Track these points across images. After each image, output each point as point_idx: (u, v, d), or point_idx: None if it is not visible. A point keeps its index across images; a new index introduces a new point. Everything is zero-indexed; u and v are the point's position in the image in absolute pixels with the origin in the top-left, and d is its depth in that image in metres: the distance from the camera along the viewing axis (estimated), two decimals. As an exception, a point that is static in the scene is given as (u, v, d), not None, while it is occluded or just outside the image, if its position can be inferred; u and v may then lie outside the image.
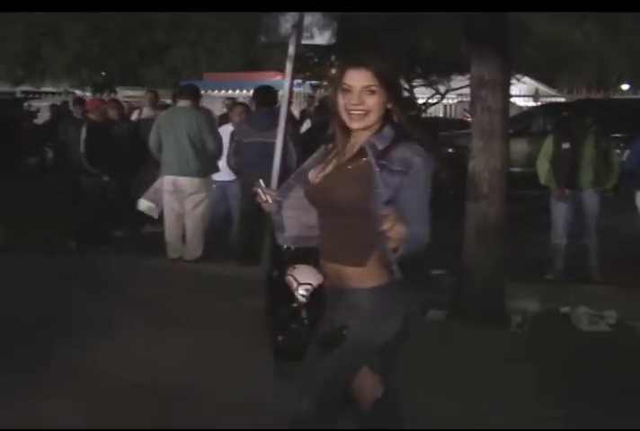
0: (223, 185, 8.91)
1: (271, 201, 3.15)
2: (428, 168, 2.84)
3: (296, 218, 3.16)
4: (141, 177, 10.43)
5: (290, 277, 3.02)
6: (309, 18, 7.19)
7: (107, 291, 7.05)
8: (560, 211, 7.82)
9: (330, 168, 2.99)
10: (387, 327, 3.01)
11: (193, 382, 4.94)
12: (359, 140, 2.94)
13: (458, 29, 7.21)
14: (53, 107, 21.17)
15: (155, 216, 8.57)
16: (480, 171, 6.32)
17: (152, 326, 6.03)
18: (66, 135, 12.71)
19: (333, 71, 22.43)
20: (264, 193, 3.15)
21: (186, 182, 8.29)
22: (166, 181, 8.38)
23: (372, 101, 2.83)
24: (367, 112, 2.84)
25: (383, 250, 2.75)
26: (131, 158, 9.57)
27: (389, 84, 2.87)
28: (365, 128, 2.90)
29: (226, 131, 8.74)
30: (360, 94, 2.83)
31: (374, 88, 2.82)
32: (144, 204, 8.54)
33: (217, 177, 8.70)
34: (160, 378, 4.98)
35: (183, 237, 8.58)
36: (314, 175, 3.02)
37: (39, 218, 10.63)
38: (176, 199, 8.38)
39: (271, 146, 7.28)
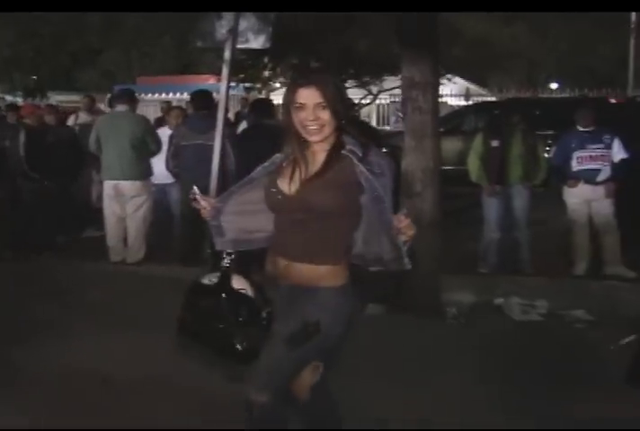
0: (162, 188, 8.98)
1: (208, 208, 3.31)
2: (392, 168, 3.13)
3: (235, 223, 3.33)
4: (80, 182, 10.47)
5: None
6: (244, 23, 7.31)
7: (52, 295, 7.10)
8: (491, 207, 8.01)
9: (303, 178, 3.12)
10: (349, 322, 3.25)
11: (142, 381, 5.05)
12: (319, 149, 3.15)
13: (390, 30, 7.39)
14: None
15: None
16: (413, 169, 6.52)
17: (99, 328, 6.12)
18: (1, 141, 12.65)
19: (266, 73, 22.57)
20: (202, 199, 3.32)
21: (127, 186, 8.35)
22: (107, 185, 8.44)
23: (326, 116, 3.05)
24: (322, 126, 3.06)
25: (397, 245, 2.96)
26: (70, 163, 9.60)
27: (338, 99, 3.09)
28: (323, 140, 3.12)
29: (162, 134, 8.84)
30: (313, 111, 3.04)
31: (325, 104, 3.04)
32: None
33: (156, 180, 8.77)
34: (108, 376, 5.09)
35: (125, 240, 8.63)
36: (286, 186, 3.13)
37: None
38: (117, 203, 8.43)
39: (210, 149, 7.38)
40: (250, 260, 3.34)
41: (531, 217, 8.25)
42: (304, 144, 3.16)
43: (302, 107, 3.05)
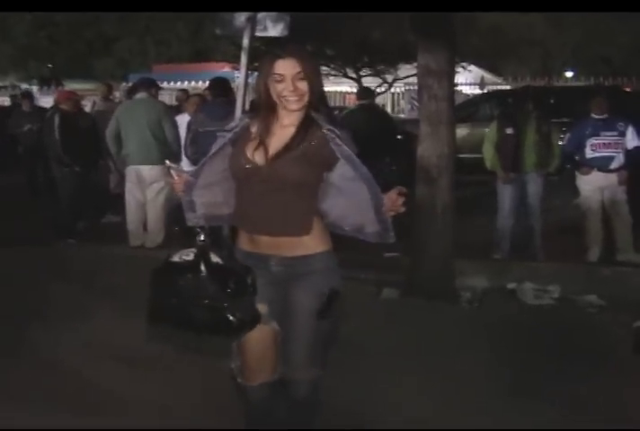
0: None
1: (180, 182, 3.32)
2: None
3: (204, 197, 3.35)
4: (98, 168, 10.61)
5: None
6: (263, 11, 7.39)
7: (78, 279, 7.27)
8: (506, 194, 8.09)
9: (276, 148, 3.16)
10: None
11: (159, 362, 5.19)
12: (288, 124, 3.21)
13: (405, 18, 7.44)
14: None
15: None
16: (428, 155, 6.61)
17: (122, 309, 6.25)
18: (19, 128, 12.83)
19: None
20: (175, 173, 3.36)
21: (147, 171, 8.50)
22: (128, 171, 8.60)
23: (304, 86, 3.14)
24: (302, 96, 3.14)
25: (384, 220, 3.17)
26: (92, 149, 9.74)
27: (313, 69, 3.20)
28: (299, 110, 3.19)
29: (181, 121, 8.94)
30: (292, 81, 3.12)
31: (303, 75, 3.13)
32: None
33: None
34: (128, 359, 5.22)
35: (145, 225, 8.76)
36: (256, 156, 3.16)
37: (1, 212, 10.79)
38: (138, 188, 8.58)
39: (227, 136, 7.46)
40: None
41: (545, 204, 8.33)
42: (274, 114, 3.22)
43: (281, 78, 3.12)
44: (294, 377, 3.33)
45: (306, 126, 3.19)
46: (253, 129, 3.23)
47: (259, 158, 3.15)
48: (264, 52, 3.26)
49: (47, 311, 6.30)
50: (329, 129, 3.16)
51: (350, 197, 3.20)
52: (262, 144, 3.17)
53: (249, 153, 3.16)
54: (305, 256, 3.21)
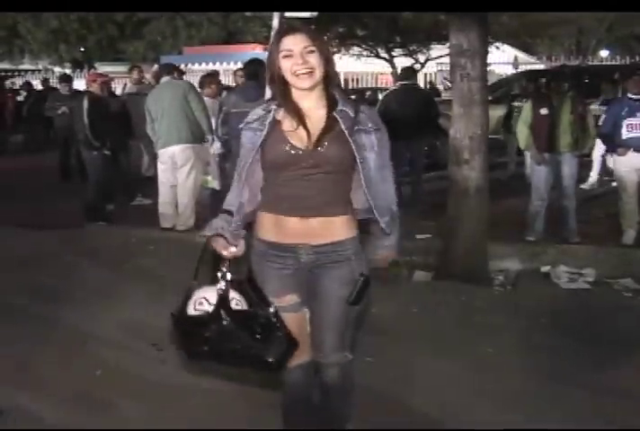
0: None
1: (235, 248, 3.15)
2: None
3: (254, 196, 3.24)
4: (128, 151, 10.64)
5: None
6: (293, -9, 7.36)
7: (109, 262, 7.33)
8: (540, 175, 7.98)
9: (315, 131, 3.11)
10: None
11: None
12: (310, 106, 3.16)
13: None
14: (27, 84, 21.15)
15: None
16: (461, 137, 6.53)
17: (153, 291, 6.27)
18: (54, 111, 12.89)
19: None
20: (229, 244, 3.15)
21: (178, 151, 8.49)
22: (161, 154, 8.60)
23: (314, 59, 3.08)
24: (312, 70, 3.08)
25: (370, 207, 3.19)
26: (122, 132, 9.77)
27: (322, 44, 3.15)
28: (312, 88, 3.13)
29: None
30: (301, 55, 3.07)
31: (312, 48, 3.08)
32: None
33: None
34: (156, 340, 5.22)
35: (176, 207, 8.76)
36: (297, 140, 3.10)
37: (31, 194, 10.87)
38: (170, 171, 8.58)
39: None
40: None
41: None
42: (289, 96, 3.16)
43: (290, 54, 3.08)
44: (326, 362, 3.33)
45: (333, 106, 3.16)
46: (280, 116, 3.16)
47: (301, 143, 3.10)
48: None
49: (78, 293, 6.35)
50: (341, 110, 3.14)
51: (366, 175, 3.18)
52: (299, 128, 3.12)
53: (291, 140, 3.11)
54: (334, 243, 3.17)
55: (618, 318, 5.78)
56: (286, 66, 3.08)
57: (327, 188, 3.13)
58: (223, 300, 3.06)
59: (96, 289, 6.47)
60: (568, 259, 7.07)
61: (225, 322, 3.03)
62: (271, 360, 3.04)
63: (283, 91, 3.15)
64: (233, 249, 3.12)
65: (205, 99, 8.94)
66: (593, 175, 11.20)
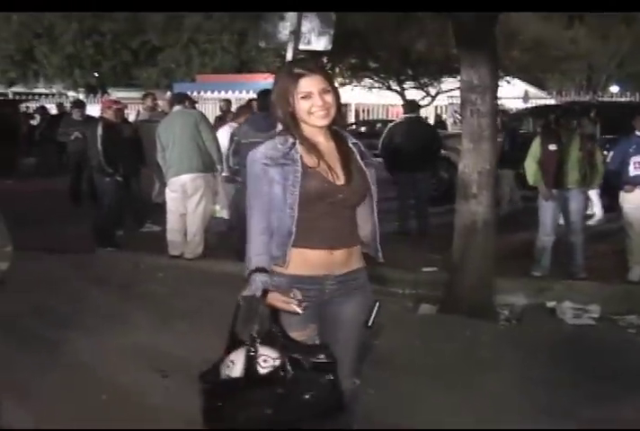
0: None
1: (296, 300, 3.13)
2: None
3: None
4: (139, 178, 10.72)
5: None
6: (307, 24, 7.44)
7: (117, 287, 7.39)
8: (547, 210, 8.00)
9: (341, 165, 3.20)
10: None
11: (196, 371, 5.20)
12: (324, 138, 3.24)
13: (449, 32, 7.43)
14: (42, 109, 21.36)
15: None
16: (469, 171, 6.58)
17: (160, 318, 6.31)
18: (67, 136, 13.01)
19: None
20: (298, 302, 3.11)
21: (189, 180, 8.55)
22: (171, 183, 8.66)
23: (330, 99, 3.18)
24: (329, 109, 3.17)
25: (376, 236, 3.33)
26: (134, 159, 9.86)
27: (333, 83, 3.26)
28: (329, 125, 3.23)
29: (223, 133, 9.03)
30: (320, 96, 3.15)
31: (328, 88, 3.18)
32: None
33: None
34: (163, 367, 5.26)
35: (185, 235, 8.80)
36: (329, 174, 3.16)
37: (42, 218, 10.93)
38: (180, 199, 8.63)
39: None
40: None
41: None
42: (301, 131, 3.22)
43: (309, 95, 3.15)
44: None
45: (344, 140, 3.28)
46: (301, 152, 3.18)
47: (330, 177, 3.17)
48: (280, 71, 3.27)
49: (86, 318, 6.38)
50: (354, 143, 3.29)
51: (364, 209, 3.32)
52: (321, 163, 3.18)
53: (321, 174, 3.17)
54: (353, 271, 3.29)
55: (622, 354, 5.79)
56: (304, 107, 3.15)
57: (351, 219, 3.27)
58: (251, 362, 2.97)
59: (104, 314, 6.51)
60: (574, 295, 7.10)
61: (260, 387, 2.96)
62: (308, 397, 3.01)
63: (297, 127, 3.21)
64: (295, 301, 3.05)
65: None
66: (597, 211, 11.21)
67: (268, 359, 2.98)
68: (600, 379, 5.20)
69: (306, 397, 2.99)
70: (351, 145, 3.27)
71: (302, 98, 3.15)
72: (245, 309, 3.06)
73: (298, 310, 3.04)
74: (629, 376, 5.29)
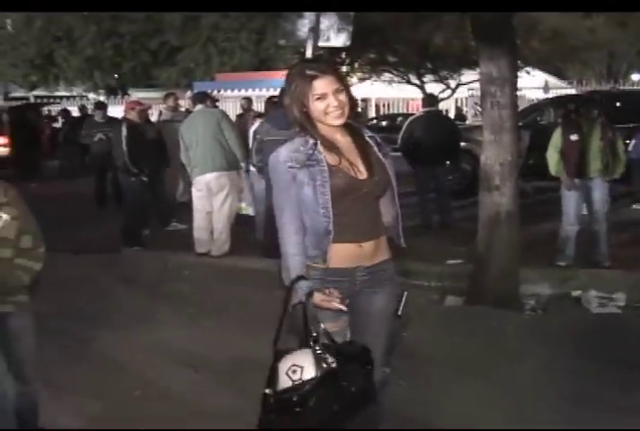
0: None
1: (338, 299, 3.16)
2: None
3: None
4: (163, 177, 10.81)
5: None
6: (325, 22, 7.49)
7: (145, 286, 7.50)
8: (570, 200, 8.00)
9: (362, 160, 3.28)
10: None
11: (225, 366, 5.30)
12: (338, 136, 3.30)
13: (466, 24, 7.45)
14: (64, 111, 21.48)
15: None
16: (491, 163, 6.61)
17: (187, 316, 6.38)
18: (90, 138, 13.11)
19: (344, 69, 22.59)
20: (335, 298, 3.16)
21: (213, 179, 8.63)
22: (196, 181, 8.75)
23: (344, 98, 3.24)
24: (343, 108, 3.23)
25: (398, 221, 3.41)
26: (158, 159, 9.95)
27: (345, 81, 3.33)
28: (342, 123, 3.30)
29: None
30: (334, 97, 3.21)
31: (341, 87, 3.23)
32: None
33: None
34: (193, 362, 5.34)
35: (211, 233, 8.86)
36: (351, 170, 3.24)
37: (67, 220, 11.04)
38: (205, 197, 8.72)
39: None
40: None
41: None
42: (317, 128, 3.28)
43: (323, 96, 3.20)
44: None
45: (360, 134, 3.37)
46: (323, 151, 3.24)
47: (353, 172, 3.25)
48: (291, 73, 3.32)
49: (115, 317, 6.48)
50: (370, 136, 3.38)
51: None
52: (342, 160, 3.25)
53: (344, 170, 3.24)
54: (382, 262, 3.37)
55: (648, 343, 5.81)
56: (320, 107, 3.20)
57: (376, 210, 3.35)
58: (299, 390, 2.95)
59: (133, 312, 6.61)
60: (599, 284, 7.08)
61: (317, 399, 2.93)
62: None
63: (314, 127, 3.26)
64: (336, 299, 3.12)
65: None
66: None
67: (328, 356, 3.01)
68: (626, 367, 5.23)
69: (353, 389, 3.02)
70: (367, 138, 3.35)
71: (317, 99, 3.20)
72: (297, 316, 3.11)
73: (342, 307, 3.13)
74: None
